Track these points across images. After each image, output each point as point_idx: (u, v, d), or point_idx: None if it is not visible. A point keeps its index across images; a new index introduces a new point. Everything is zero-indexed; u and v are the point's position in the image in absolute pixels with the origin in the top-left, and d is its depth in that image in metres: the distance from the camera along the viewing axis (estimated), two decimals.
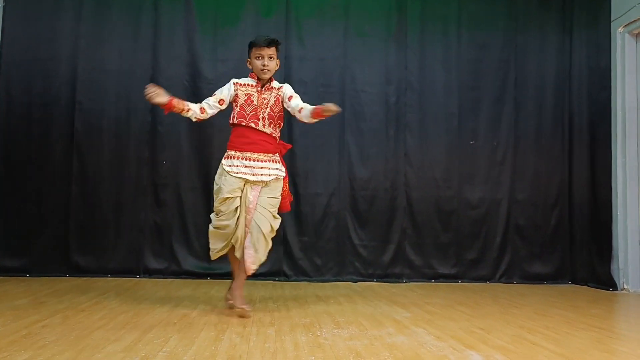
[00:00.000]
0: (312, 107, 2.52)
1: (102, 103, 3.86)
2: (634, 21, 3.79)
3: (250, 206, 2.52)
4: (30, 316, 2.26)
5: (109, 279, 3.63)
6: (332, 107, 2.40)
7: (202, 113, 2.63)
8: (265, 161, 2.56)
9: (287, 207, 2.74)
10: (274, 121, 2.60)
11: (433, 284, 3.99)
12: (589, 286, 3.99)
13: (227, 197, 2.52)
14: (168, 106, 2.52)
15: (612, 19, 3.99)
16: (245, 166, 2.53)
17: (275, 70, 2.65)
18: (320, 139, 4.07)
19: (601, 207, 4.00)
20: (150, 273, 3.80)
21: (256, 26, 4.03)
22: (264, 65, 2.53)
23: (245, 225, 2.53)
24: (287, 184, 2.72)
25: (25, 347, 1.75)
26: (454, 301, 3.10)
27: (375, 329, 2.21)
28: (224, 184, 2.53)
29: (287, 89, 2.65)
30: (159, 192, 3.90)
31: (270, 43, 2.54)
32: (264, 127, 2.56)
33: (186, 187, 3.93)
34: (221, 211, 2.55)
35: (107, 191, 3.82)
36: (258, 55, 2.55)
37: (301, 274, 3.96)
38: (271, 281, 3.84)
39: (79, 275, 3.67)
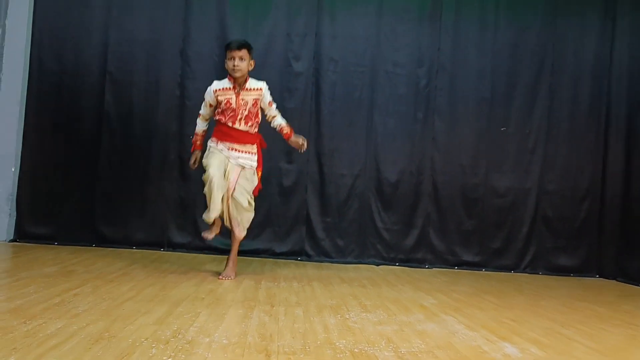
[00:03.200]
0: (283, 126, 2.96)
1: (132, 74, 3.84)
2: None
3: (230, 186, 2.82)
4: (61, 284, 2.29)
5: (134, 250, 3.66)
6: (299, 142, 2.94)
7: (207, 121, 3.03)
8: (242, 152, 2.87)
9: (255, 193, 3.03)
10: (252, 119, 2.88)
11: (456, 271, 3.95)
12: (617, 281, 3.90)
13: (216, 159, 2.81)
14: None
15: None
16: (226, 150, 2.85)
17: (249, 70, 2.87)
18: (348, 119, 4.01)
19: (634, 201, 3.88)
20: (174, 247, 3.83)
21: (288, 2, 3.95)
22: (234, 66, 2.77)
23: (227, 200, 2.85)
24: (259, 173, 3.01)
25: (59, 315, 1.76)
26: (479, 290, 3.06)
27: (404, 315, 2.19)
28: (211, 158, 2.83)
29: (266, 95, 2.92)
30: (185, 166, 3.88)
31: (240, 46, 2.79)
32: (239, 126, 2.84)
33: None
34: (209, 164, 2.79)
35: (134, 163, 3.83)
36: (230, 57, 2.79)
37: (323, 255, 3.96)
38: (293, 260, 3.84)
39: (104, 245, 3.72)
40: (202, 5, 3.90)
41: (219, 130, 2.87)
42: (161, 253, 3.66)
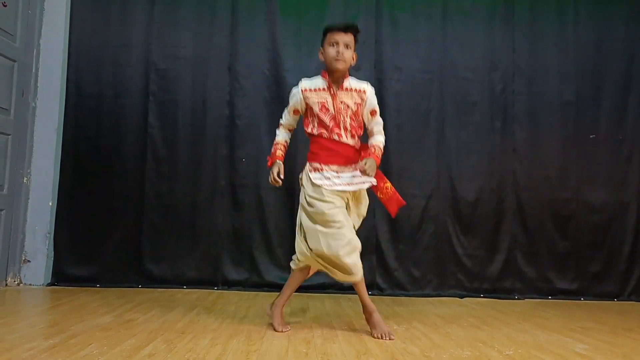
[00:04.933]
0: (377, 148, 2.26)
1: (177, 94, 3.45)
2: None
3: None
4: (125, 339, 1.83)
5: (185, 290, 3.20)
6: (367, 171, 2.09)
7: (290, 131, 2.45)
8: (353, 170, 2.21)
9: (401, 201, 2.33)
10: (356, 131, 2.24)
11: (551, 300, 3.41)
12: None
13: (330, 203, 2.15)
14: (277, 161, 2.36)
15: None
16: (338, 177, 2.19)
17: (351, 65, 2.23)
18: (417, 134, 3.57)
19: None
20: (229, 284, 3.35)
21: (345, 7, 3.57)
22: (338, 54, 2.12)
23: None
24: (386, 184, 2.32)
25: None
26: (615, 326, 2.52)
27: None
28: (318, 199, 2.17)
29: (372, 99, 2.25)
30: (238, 193, 3.46)
31: (347, 28, 2.16)
32: (347, 139, 2.21)
33: (267, 188, 3.46)
34: (327, 221, 2.14)
35: (182, 192, 3.40)
36: (333, 41, 2.16)
37: (397, 287, 3.45)
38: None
39: (151, 285, 3.26)
40: (250, 16, 3.54)
41: (321, 148, 2.21)
42: (217, 293, 3.18)
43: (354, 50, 2.22)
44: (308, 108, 2.24)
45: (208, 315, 2.38)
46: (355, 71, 3.55)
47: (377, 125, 2.27)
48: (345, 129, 2.19)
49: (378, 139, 2.26)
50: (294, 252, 3.48)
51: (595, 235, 3.57)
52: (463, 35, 3.63)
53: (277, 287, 3.34)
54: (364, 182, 2.16)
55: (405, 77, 3.61)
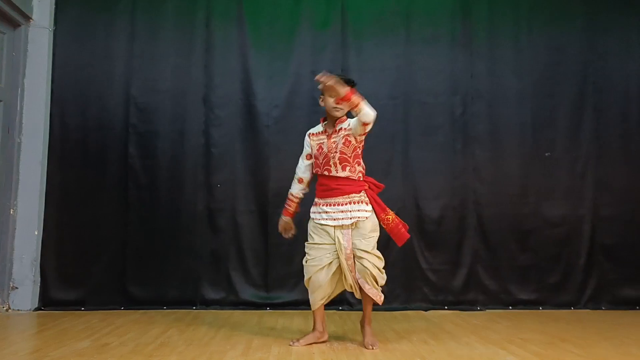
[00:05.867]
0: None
1: (156, 125, 3.68)
2: None
3: (347, 251, 2.47)
4: None
5: (166, 311, 3.42)
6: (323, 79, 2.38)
7: (302, 183, 2.71)
8: (346, 204, 2.49)
9: (404, 236, 2.61)
10: (349, 162, 2.50)
11: (511, 311, 3.62)
12: None
13: (316, 243, 2.55)
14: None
15: None
16: (326, 212, 2.51)
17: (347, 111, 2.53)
18: (384, 155, 3.79)
19: None
20: (207, 304, 3.57)
21: (313, 39, 3.80)
22: (336, 104, 2.45)
23: (351, 270, 2.49)
24: (387, 216, 2.59)
25: None
26: (554, 336, 2.73)
27: None
28: (312, 231, 2.58)
29: (351, 120, 2.54)
30: (215, 217, 3.69)
31: (346, 82, 2.45)
32: (337, 172, 2.50)
33: (242, 211, 3.71)
34: (310, 254, 2.57)
35: (163, 217, 3.63)
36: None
37: None
38: (335, 310, 3.55)
39: (135, 307, 3.48)
40: (224, 50, 3.77)
41: (319, 185, 2.57)
42: (195, 312, 3.41)
43: None
44: (312, 151, 2.59)
45: (179, 337, 2.60)
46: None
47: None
48: (335, 164, 2.49)
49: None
50: (268, 272, 3.72)
51: (554, 248, 3.78)
52: (425, 62, 3.86)
53: (253, 306, 3.58)
54: (350, 219, 2.47)
55: (372, 103, 3.74)
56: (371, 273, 2.44)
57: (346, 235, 2.46)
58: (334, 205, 2.48)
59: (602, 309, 3.70)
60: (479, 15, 3.88)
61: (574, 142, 3.89)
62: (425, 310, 3.59)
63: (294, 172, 3.71)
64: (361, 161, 2.59)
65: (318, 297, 2.54)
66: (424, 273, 3.74)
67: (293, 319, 3.19)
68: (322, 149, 2.52)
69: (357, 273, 2.47)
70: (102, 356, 2.18)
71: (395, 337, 2.71)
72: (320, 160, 2.52)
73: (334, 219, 2.47)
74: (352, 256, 2.46)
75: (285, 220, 2.70)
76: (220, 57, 3.76)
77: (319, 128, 2.61)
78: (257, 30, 3.79)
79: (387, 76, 3.84)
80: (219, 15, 3.77)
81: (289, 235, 2.75)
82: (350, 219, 2.46)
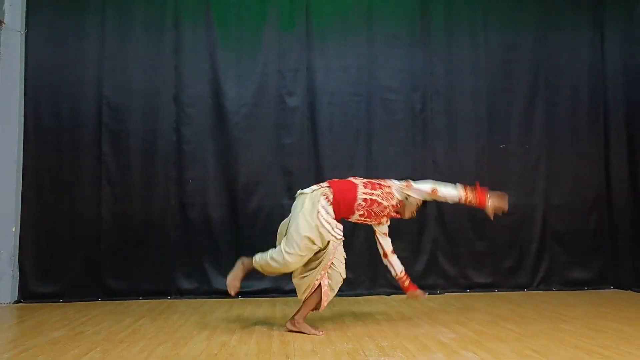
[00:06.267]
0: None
1: (128, 124, 3.84)
2: None
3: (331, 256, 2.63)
4: (70, 350, 2.23)
5: (141, 301, 3.60)
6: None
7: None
8: None
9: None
10: None
11: (469, 294, 3.88)
12: (633, 291, 3.83)
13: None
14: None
15: None
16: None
17: None
18: (348, 151, 3.99)
19: None
20: (181, 293, 3.76)
21: (278, 39, 3.97)
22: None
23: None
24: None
25: None
26: (498, 316, 2.98)
27: (423, 355, 2.12)
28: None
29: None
30: (187, 211, 3.86)
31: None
32: None
33: (214, 205, 3.89)
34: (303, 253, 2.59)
35: (137, 212, 3.80)
36: None
37: None
38: (279, 297, 3.76)
39: (111, 298, 3.65)
40: (192, 50, 3.92)
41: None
42: (169, 302, 3.59)
43: None
44: None
45: (151, 325, 2.79)
46: (290, 97, 4.00)
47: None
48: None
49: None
50: None
51: (508, 235, 4.04)
52: (386, 61, 4.06)
53: (226, 294, 3.74)
54: None
55: (336, 100, 4.03)
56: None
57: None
58: None
59: (552, 290, 3.97)
60: (437, 15, 4.08)
61: (526, 135, 4.14)
62: (388, 295, 3.82)
63: (262, 167, 3.93)
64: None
65: None
66: None
67: (261, 305, 3.40)
68: None
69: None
70: (75, 343, 2.36)
71: (352, 319, 2.93)
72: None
73: None
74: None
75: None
76: (189, 57, 3.91)
77: None
78: (224, 31, 3.94)
79: (350, 75, 4.03)
80: (187, 17, 3.92)
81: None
82: None
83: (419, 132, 4.05)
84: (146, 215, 3.81)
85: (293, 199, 3.90)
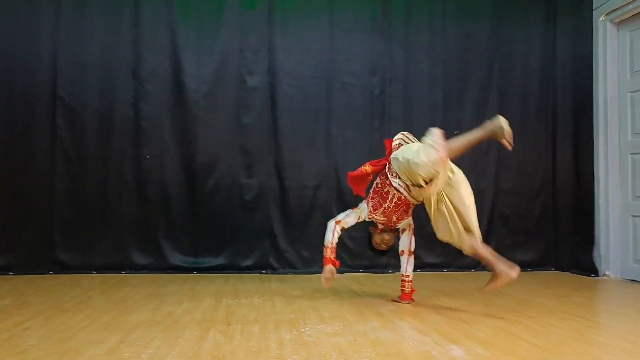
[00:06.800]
0: None
1: (84, 98, 3.80)
2: (616, 9, 3.81)
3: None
4: (12, 318, 2.24)
5: (94, 275, 3.61)
6: None
7: None
8: None
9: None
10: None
11: (419, 273, 4.01)
12: (571, 273, 4.07)
13: None
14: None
15: (594, 7, 4.00)
16: None
17: None
18: (307, 132, 4.06)
19: (584, 195, 4.06)
20: (136, 269, 3.79)
21: (240, 18, 3.99)
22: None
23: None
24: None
25: (6, 352, 1.74)
26: (439, 291, 3.13)
27: (360, 324, 2.23)
28: None
29: None
30: (144, 187, 3.87)
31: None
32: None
33: (172, 182, 3.91)
34: None
35: (92, 187, 3.78)
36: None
37: (288, 266, 3.98)
38: (257, 274, 3.85)
39: (63, 272, 3.65)
40: (152, 26, 3.89)
41: None
42: (122, 276, 3.62)
43: None
44: None
45: (100, 297, 2.82)
46: (250, 77, 4.03)
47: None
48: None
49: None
50: (197, 239, 3.94)
51: None
52: (347, 45, 4.12)
53: (181, 270, 3.81)
54: None
55: (296, 82, 4.08)
56: None
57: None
58: None
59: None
60: (398, 1, 4.15)
61: (479, 122, 4.21)
62: (341, 274, 3.94)
63: (221, 146, 3.96)
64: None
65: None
66: (343, 240, 4.07)
67: (215, 281, 3.46)
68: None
69: None
70: (18, 311, 2.38)
71: (301, 294, 3.03)
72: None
73: None
74: None
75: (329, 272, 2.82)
76: (148, 33, 3.88)
77: None
78: (185, 7, 3.92)
79: (311, 57, 4.08)
80: None
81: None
82: None
83: (377, 116, 4.15)
84: (102, 191, 3.80)
85: (251, 177, 4.00)
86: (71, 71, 3.77)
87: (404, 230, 2.88)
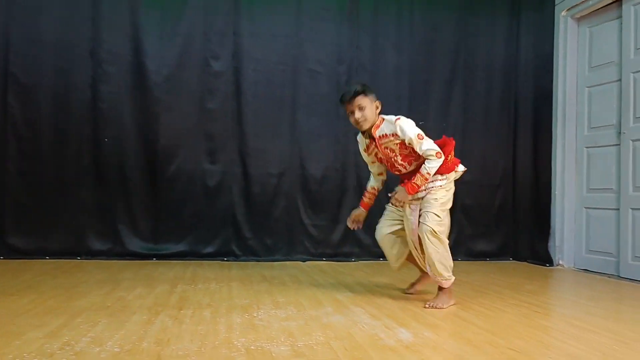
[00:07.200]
0: (415, 176, 2.36)
1: (38, 76, 3.64)
2: (576, 5, 3.90)
3: (413, 226, 2.42)
4: None
5: (48, 261, 3.49)
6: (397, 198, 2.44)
7: (378, 178, 2.71)
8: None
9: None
10: (414, 157, 2.44)
11: (381, 262, 4.06)
12: (528, 262, 4.18)
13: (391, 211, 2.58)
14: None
15: (556, 3, 4.08)
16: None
17: (376, 114, 2.47)
18: (272, 119, 4.02)
19: (542, 187, 4.16)
20: (93, 254, 3.68)
21: (205, 1, 3.88)
22: (357, 120, 2.41)
23: (416, 248, 2.47)
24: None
25: None
26: (399, 279, 3.16)
27: (314, 309, 2.23)
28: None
29: (404, 132, 2.36)
30: (102, 171, 3.76)
31: (351, 97, 2.40)
32: (407, 169, 2.47)
33: (131, 166, 3.81)
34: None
35: (46, 170, 3.65)
36: (348, 112, 2.46)
37: (251, 254, 3.95)
38: (219, 261, 3.80)
39: (16, 257, 3.51)
40: (112, 4, 3.75)
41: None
42: (78, 262, 3.51)
43: (375, 99, 2.46)
44: (375, 160, 2.59)
45: (50, 282, 2.72)
46: (215, 61, 3.94)
47: (423, 151, 2.36)
48: (402, 164, 2.46)
49: (425, 166, 2.34)
50: (157, 225, 3.86)
51: None
52: (314, 32, 4.08)
53: (139, 257, 3.73)
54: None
55: (261, 68, 4.02)
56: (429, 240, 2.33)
57: (414, 211, 2.42)
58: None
59: (458, 260, 4.22)
60: None
61: (444, 113, 4.34)
62: (304, 262, 3.93)
63: (184, 131, 3.89)
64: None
65: (386, 253, 2.58)
66: (306, 228, 4.08)
67: (173, 268, 3.40)
68: (380, 157, 2.51)
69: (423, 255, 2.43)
70: None
71: (259, 280, 3.01)
72: (388, 165, 2.53)
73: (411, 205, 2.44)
74: (417, 233, 2.39)
75: (360, 210, 2.71)
76: (108, 11, 3.75)
77: (364, 141, 2.56)
78: None
79: (277, 43, 4.03)
80: None
81: (354, 227, 2.75)
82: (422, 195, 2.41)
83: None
84: (57, 173, 3.67)
85: (214, 163, 3.94)
86: (25, 47, 3.61)
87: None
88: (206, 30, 3.91)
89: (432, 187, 2.42)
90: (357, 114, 2.40)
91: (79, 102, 3.70)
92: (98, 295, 2.39)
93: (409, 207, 2.44)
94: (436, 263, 2.32)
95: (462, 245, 4.32)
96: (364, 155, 2.61)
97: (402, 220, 2.50)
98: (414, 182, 2.35)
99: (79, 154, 3.71)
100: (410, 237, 2.45)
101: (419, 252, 2.45)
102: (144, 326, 1.85)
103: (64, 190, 3.68)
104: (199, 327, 1.86)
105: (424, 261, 2.42)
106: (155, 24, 3.82)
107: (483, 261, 4.26)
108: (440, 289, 2.42)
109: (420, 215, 2.39)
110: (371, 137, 2.47)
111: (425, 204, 2.40)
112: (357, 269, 3.63)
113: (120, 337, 1.71)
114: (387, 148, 2.45)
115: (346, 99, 2.42)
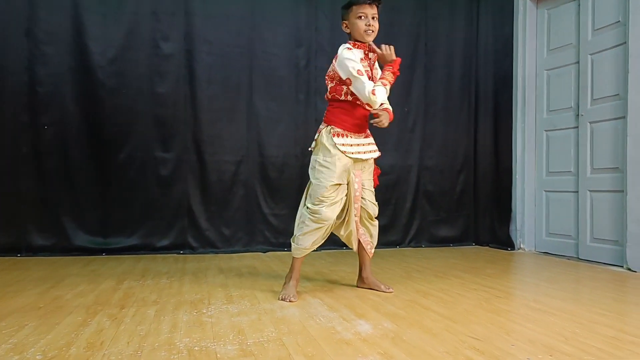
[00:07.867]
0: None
1: None
2: None
3: (357, 194, 2.29)
4: None
5: None
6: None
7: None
8: (370, 144, 2.37)
9: (376, 181, 2.47)
10: None
11: (344, 251, 3.97)
12: (490, 247, 4.19)
13: (337, 184, 2.24)
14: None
15: None
16: (359, 144, 2.30)
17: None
18: (227, 104, 3.83)
19: (503, 172, 4.16)
20: (34, 251, 3.42)
21: None
22: (368, 26, 2.22)
23: (355, 215, 2.32)
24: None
25: None
26: (354, 268, 3.07)
27: (269, 303, 2.10)
28: (332, 169, 2.22)
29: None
30: (43, 160, 3.49)
31: (376, 2, 2.25)
32: (375, 107, 2.26)
33: (75, 155, 3.55)
34: (328, 198, 2.23)
35: None
36: (361, 14, 2.23)
37: (208, 246, 3.77)
38: (174, 255, 3.61)
39: None
40: None
41: (351, 118, 2.28)
42: (17, 259, 3.25)
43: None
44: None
45: None
46: (165, 42, 3.71)
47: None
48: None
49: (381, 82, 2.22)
50: (105, 218, 3.63)
51: (384, 194, 4.17)
52: (271, 14, 3.90)
53: (87, 252, 3.49)
54: (372, 152, 2.35)
55: (215, 50, 3.82)
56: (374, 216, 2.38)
57: (357, 177, 2.30)
58: (360, 146, 2.29)
59: (422, 247, 4.21)
60: None
61: (406, 98, 4.26)
62: (264, 252, 3.79)
63: (132, 116, 3.65)
64: None
65: (312, 240, 2.35)
66: (266, 218, 3.93)
67: (123, 262, 3.19)
68: (369, 76, 2.29)
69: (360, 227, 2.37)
70: None
71: (215, 273, 2.85)
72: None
73: (365, 152, 2.29)
74: (359, 199, 2.31)
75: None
76: None
77: (360, 54, 2.30)
78: None
79: (231, 24, 3.83)
80: None
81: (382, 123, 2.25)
82: (375, 151, 2.35)
83: (302, 89, 3.99)
84: None
85: (167, 151, 3.73)
86: None
87: None
88: (154, 9, 3.66)
89: (377, 154, 2.40)
90: (372, 21, 2.25)
91: (14, 84, 3.41)
92: (32, 295, 2.18)
93: (353, 173, 2.30)
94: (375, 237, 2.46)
95: (425, 232, 4.28)
96: (360, 64, 2.26)
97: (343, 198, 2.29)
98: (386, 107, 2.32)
99: (15, 141, 3.42)
100: (353, 204, 2.33)
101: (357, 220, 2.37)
102: (76, 329, 1.68)
103: (0, 181, 3.39)
104: (139, 327, 1.70)
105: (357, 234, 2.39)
106: (97, 2, 3.55)
107: (446, 247, 4.24)
108: (368, 277, 2.45)
109: (363, 186, 2.35)
110: (366, 54, 2.32)
111: (368, 178, 2.39)
112: (319, 258, 3.52)
113: (46, 342, 1.53)
114: (377, 69, 2.38)
115: (369, 1, 2.22)
